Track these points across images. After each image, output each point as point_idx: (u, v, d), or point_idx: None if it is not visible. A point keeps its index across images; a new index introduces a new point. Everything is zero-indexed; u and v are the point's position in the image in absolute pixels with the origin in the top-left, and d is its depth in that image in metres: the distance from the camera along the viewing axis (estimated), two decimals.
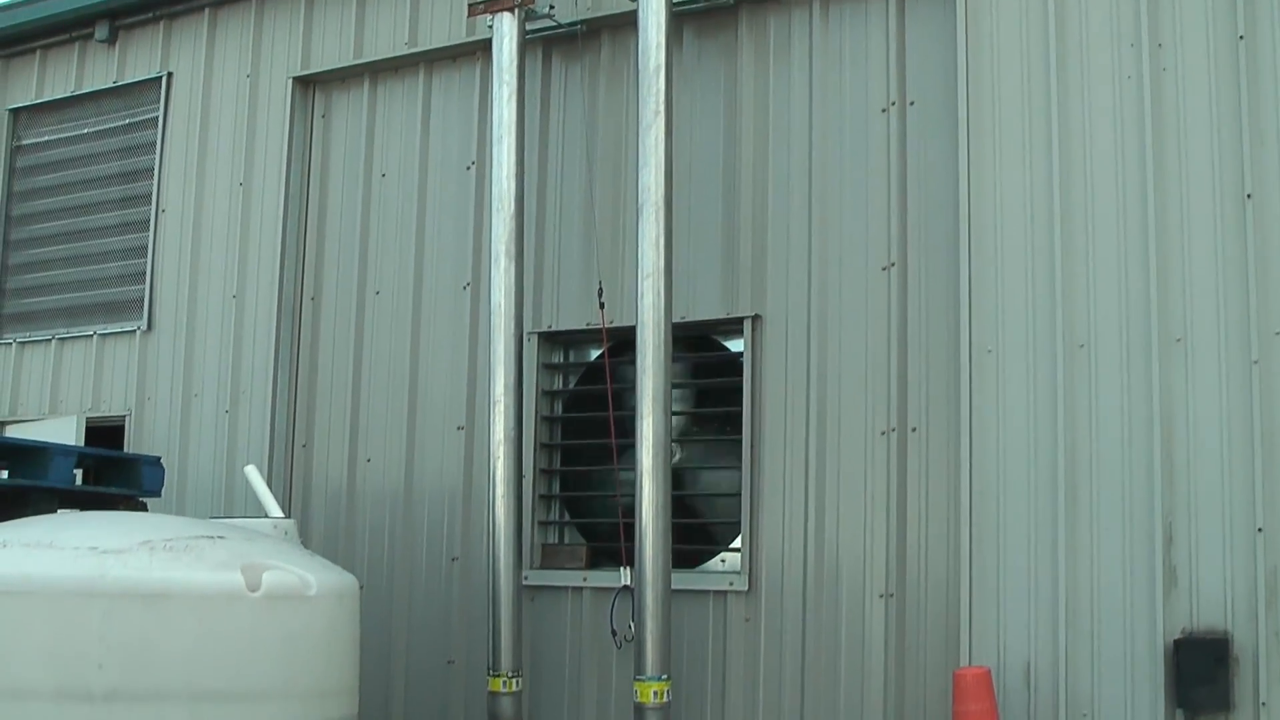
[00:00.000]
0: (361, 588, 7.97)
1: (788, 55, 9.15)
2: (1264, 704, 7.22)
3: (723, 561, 9.13)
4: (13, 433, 11.69)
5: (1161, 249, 7.73)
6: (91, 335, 11.94)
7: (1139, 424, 7.67)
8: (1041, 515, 7.85)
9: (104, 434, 11.60)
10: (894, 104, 8.73)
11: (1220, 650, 7.29)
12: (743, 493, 8.84)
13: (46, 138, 12.72)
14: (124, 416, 11.59)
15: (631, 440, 8.62)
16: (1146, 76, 7.90)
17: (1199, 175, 7.72)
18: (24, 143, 12.87)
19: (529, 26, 9.69)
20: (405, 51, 10.57)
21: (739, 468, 8.89)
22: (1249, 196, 7.57)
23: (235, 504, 10.63)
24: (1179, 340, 7.63)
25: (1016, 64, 8.27)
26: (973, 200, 8.23)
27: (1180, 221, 7.72)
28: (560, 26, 9.77)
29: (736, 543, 8.97)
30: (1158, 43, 7.91)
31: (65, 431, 11.49)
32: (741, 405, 8.93)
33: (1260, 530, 7.31)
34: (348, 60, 10.86)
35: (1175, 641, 7.41)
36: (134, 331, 11.67)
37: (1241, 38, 7.70)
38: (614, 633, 8.95)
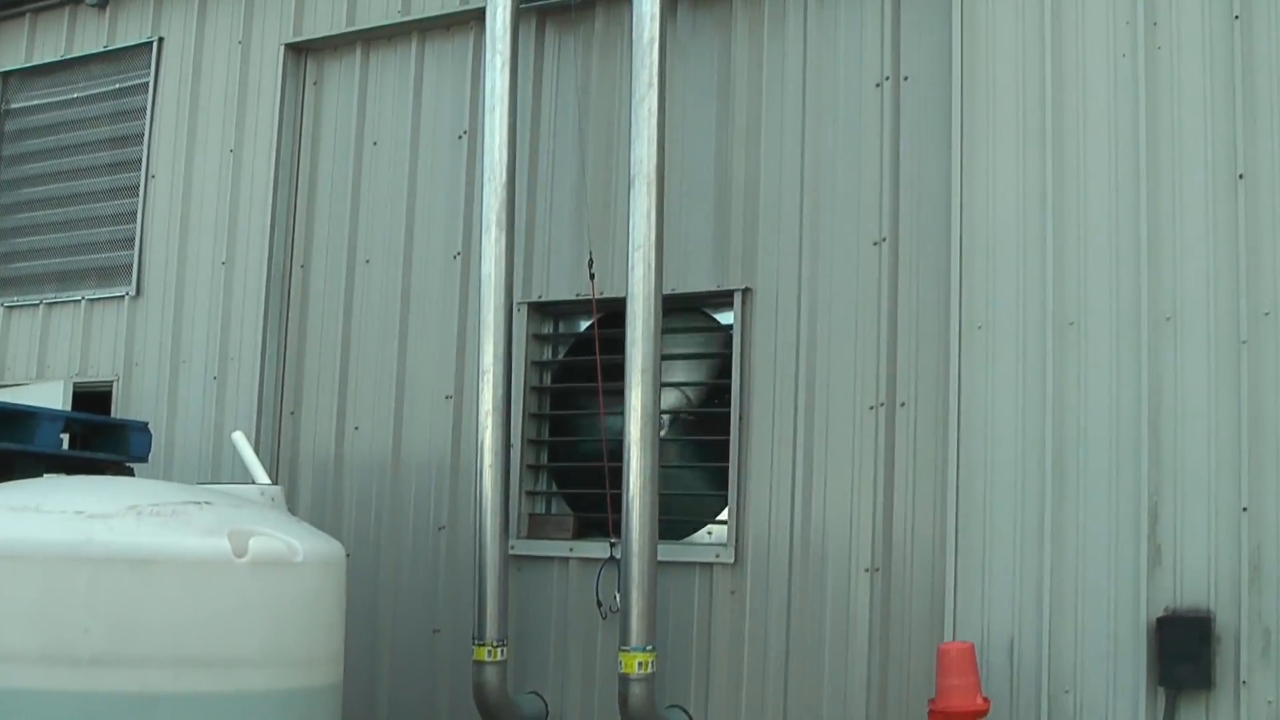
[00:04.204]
0: (348, 555, 7.97)
1: (782, 28, 9.12)
2: (1244, 682, 7.24)
3: (709, 534, 9.15)
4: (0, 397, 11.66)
5: (1153, 228, 7.71)
6: (80, 300, 11.90)
7: (1127, 402, 7.67)
8: (1028, 491, 7.85)
9: (91, 399, 11.56)
10: (888, 79, 8.70)
11: (1203, 629, 7.30)
12: (730, 465, 8.84)
13: (36, 101, 12.65)
14: (112, 382, 11.56)
15: (620, 411, 8.62)
16: (1141, 55, 7.87)
17: (1192, 154, 7.69)
18: (13, 106, 12.79)
19: None
20: (398, 19, 10.49)
21: (727, 440, 8.89)
22: (1241, 177, 7.55)
23: (222, 470, 10.61)
24: (1169, 319, 7.62)
25: (1011, 40, 8.24)
26: (965, 176, 8.22)
27: (1172, 200, 7.70)
28: None
29: (723, 515, 8.98)
30: (1153, 21, 7.88)
31: (52, 396, 11.45)
32: (730, 378, 8.94)
33: (1245, 510, 7.31)
34: (340, 28, 10.78)
35: (1158, 619, 7.42)
36: (123, 297, 11.64)
37: (1237, 17, 7.66)
38: (600, 603, 8.97)
